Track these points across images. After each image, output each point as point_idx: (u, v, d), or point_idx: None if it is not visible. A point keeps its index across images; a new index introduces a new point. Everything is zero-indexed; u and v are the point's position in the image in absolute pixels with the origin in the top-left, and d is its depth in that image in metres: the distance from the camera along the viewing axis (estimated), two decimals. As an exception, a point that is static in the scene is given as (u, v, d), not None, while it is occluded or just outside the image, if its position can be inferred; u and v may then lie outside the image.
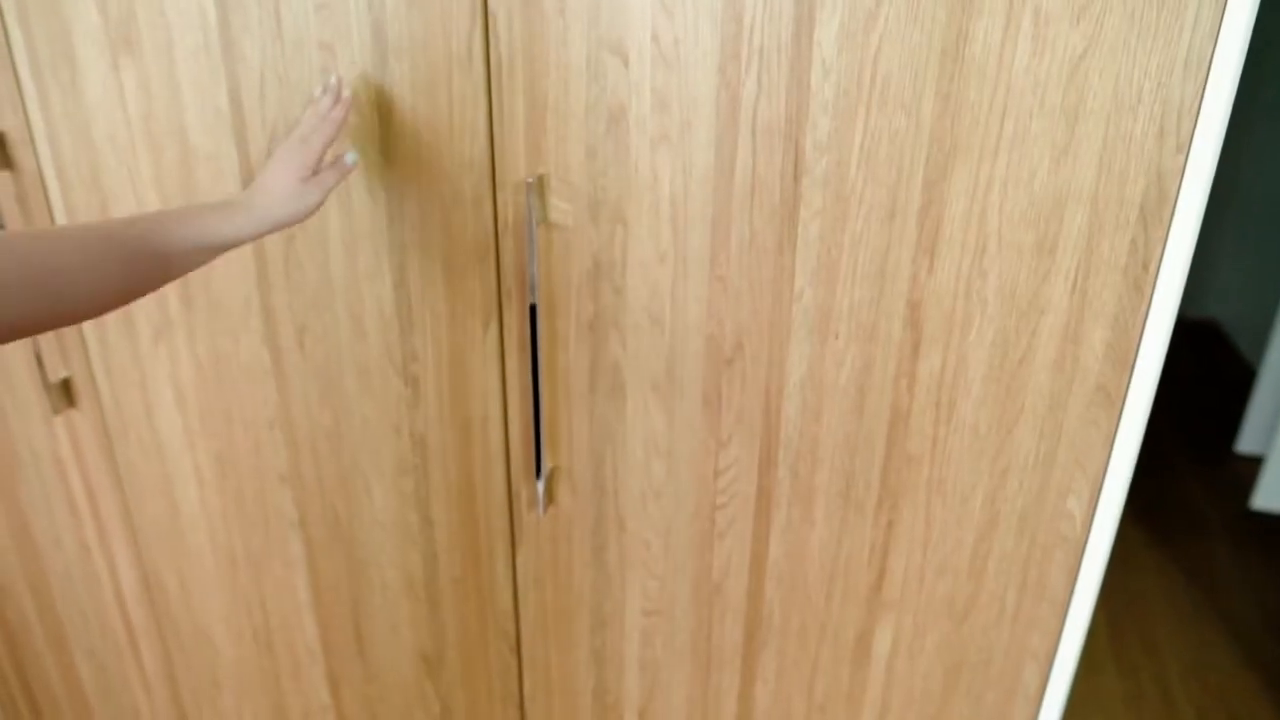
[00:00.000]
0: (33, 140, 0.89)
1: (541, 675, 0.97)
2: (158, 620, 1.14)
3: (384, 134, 0.77)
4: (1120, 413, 0.70)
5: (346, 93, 0.74)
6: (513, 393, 0.83)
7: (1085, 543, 0.75)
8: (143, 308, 0.93)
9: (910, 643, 0.83)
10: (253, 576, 1.04)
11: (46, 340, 1.00)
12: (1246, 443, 2.55)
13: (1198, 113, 0.60)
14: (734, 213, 0.71)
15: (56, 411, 1.02)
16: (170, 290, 0.91)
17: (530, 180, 0.72)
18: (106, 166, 0.87)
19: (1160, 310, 0.66)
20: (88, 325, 0.98)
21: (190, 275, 0.89)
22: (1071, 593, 0.77)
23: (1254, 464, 2.52)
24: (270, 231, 0.69)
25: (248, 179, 0.83)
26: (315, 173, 0.71)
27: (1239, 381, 2.97)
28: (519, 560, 0.90)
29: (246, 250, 0.86)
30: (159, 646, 1.17)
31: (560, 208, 0.74)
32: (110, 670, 1.23)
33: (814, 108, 0.66)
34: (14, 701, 1.35)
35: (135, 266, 0.60)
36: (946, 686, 0.84)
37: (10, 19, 0.84)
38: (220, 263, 0.87)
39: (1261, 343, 3.03)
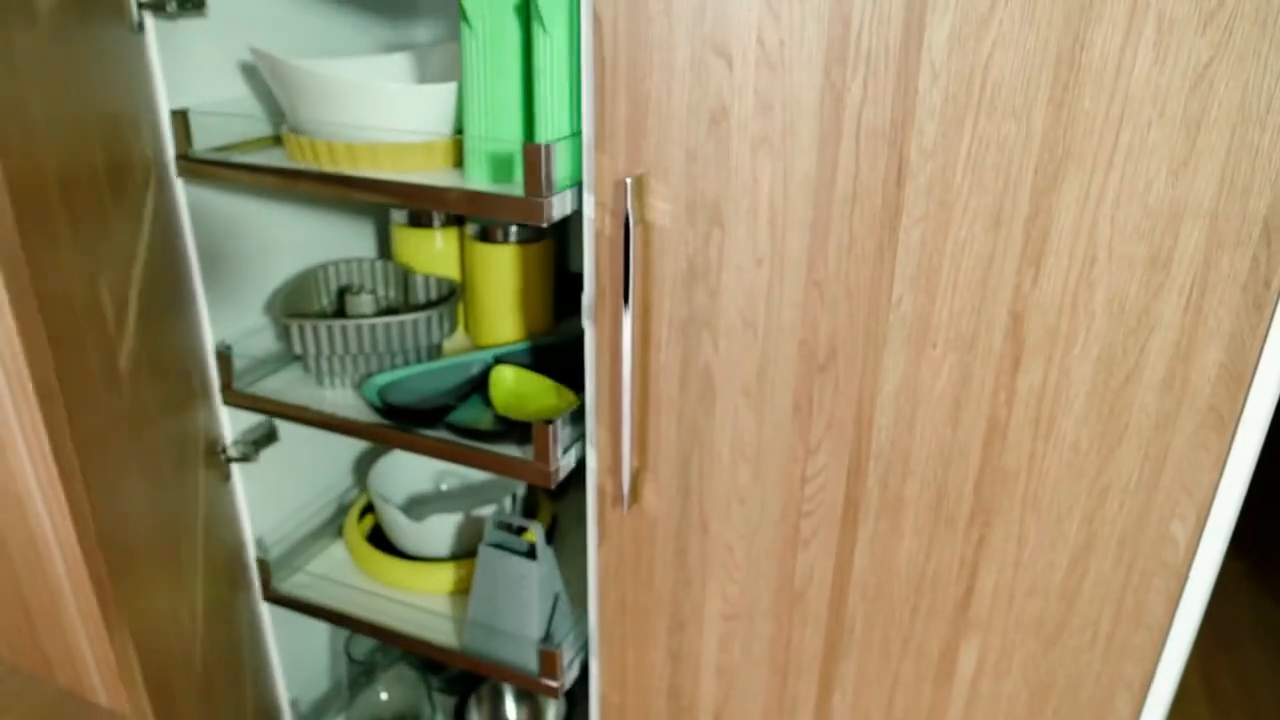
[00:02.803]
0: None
1: (617, 672, 0.97)
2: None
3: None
4: (1232, 437, 0.67)
5: None
6: (603, 390, 0.83)
7: (1188, 570, 0.72)
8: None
9: (996, 662, 0.81)
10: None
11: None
12: (1357, 475, 2.42)
13: (1332, 125, 0.58)
14: (833, 218, 0.70)
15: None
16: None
17: (629, 181, 0.73)
18: (221, 157, 0.90)
19: (1281, 331, 0.63)
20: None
21: None
22: (1171, 621, 0.74)
23: (1365, 498, 2.39)
24: None
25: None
26: None
27: (1350, 410, 2.82)
28: (601, 556, 0.91)
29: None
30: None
31: (658, 208, 0.75)
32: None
33: (920, 113, 0.65)
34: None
35: None
36: (1032, 710, 0.82)
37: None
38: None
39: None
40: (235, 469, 1.13)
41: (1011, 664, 0.80)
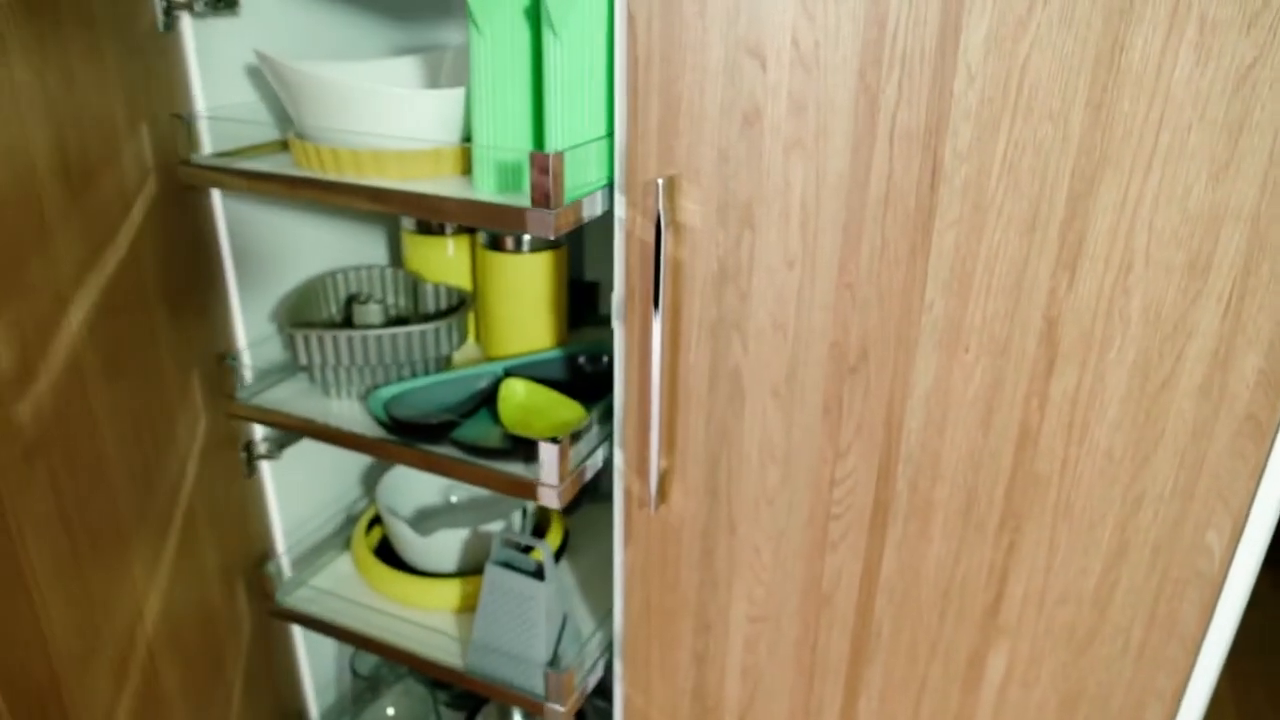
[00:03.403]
0: (190, 129, 0.94)
1: (641, 674, 0.97)
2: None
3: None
4: (1271, 445, 0.66)
5: None
6: (631, 390, 0.83)
7: (1223, 581, 0.71)
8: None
9: (1025, 670, 0.80)
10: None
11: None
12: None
13: (1378, 130, 0.57)
14: (866, 220, 0.69)
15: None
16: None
17: (661, 181, 0.73)
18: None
19: (1322, 339, 0.62)
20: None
21: None
22: (1205, 632, 0.73)
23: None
24: None
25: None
26: None
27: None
28: (627, 557, 0.91)
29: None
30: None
31: (689, 210, 0.75)
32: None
33: (956, 115, 0.65)
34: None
35: None
36: (1061, 719, 0.81)
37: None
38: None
39: None
40: (266, 470, 1.14)
41: (1041, 671, 0.80)
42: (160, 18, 0.91)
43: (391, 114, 0.87)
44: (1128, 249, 0.64)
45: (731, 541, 0.85)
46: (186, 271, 0.98)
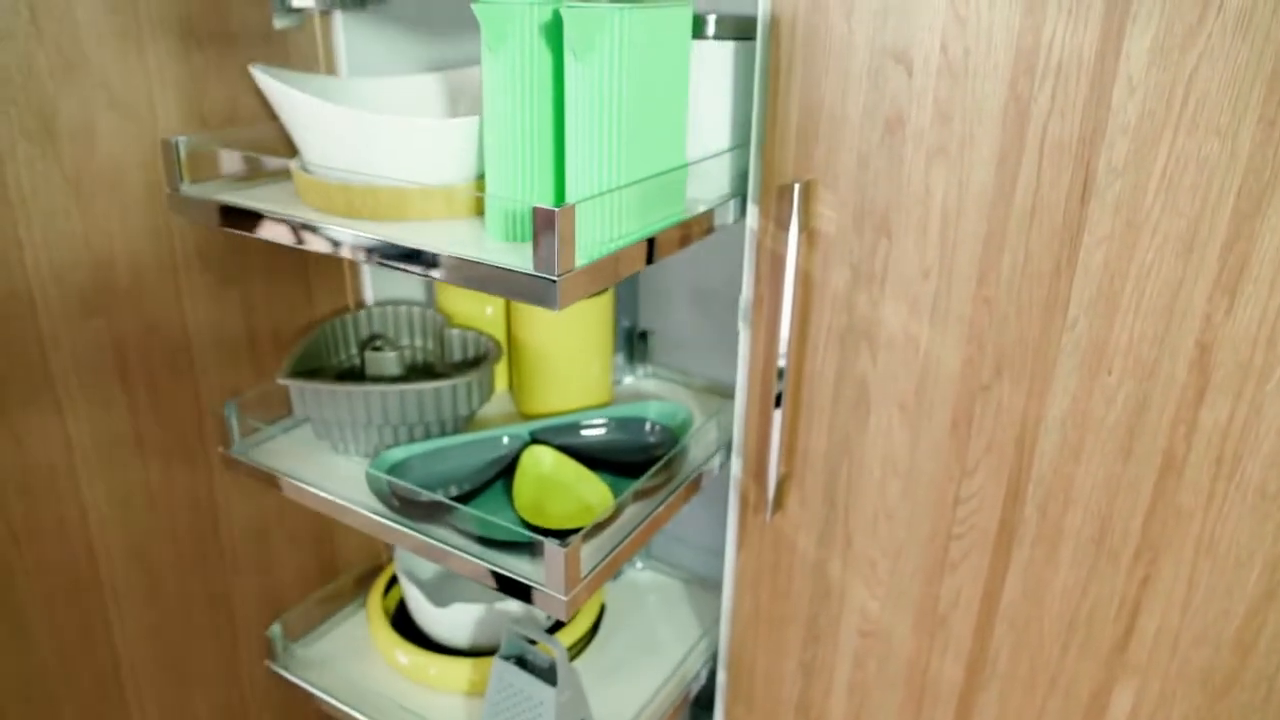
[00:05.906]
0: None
1: (745, 679, 0.96)
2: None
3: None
4: None
5: None
6: (754, 395, 0.83)
7: (1385, 633, 0.66)
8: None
9: (1153, 711, 0.76)
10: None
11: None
12: None
13: None
14: (1009, 233, 0.67)
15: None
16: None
17: (797, 186, 0.72)
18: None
19: None
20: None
21: None
22: (1360, 687, 0.68)
23: None
24: None
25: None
26: None
27: None
28: (740, 562, 0.91)
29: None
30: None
31: (824, 216, 0.74)
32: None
33: (1112, 128, 0.62)
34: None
35: None
36: (1191, 765, 0.77)
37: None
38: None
39: None
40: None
41: (1171, 714, 0.76)
42: (281, 17, 0.89)
43: (389, 146, 0.72)
44: (1296, 274, 0.60)
45: (847, 553, 0.84)
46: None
